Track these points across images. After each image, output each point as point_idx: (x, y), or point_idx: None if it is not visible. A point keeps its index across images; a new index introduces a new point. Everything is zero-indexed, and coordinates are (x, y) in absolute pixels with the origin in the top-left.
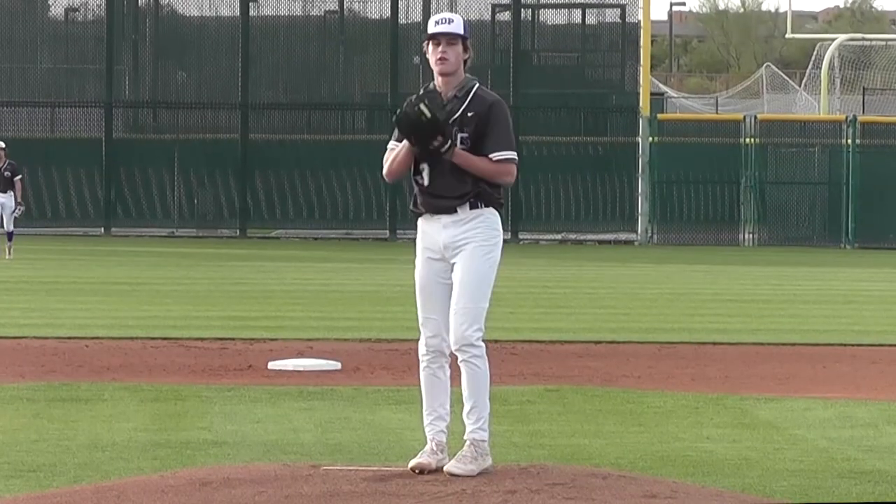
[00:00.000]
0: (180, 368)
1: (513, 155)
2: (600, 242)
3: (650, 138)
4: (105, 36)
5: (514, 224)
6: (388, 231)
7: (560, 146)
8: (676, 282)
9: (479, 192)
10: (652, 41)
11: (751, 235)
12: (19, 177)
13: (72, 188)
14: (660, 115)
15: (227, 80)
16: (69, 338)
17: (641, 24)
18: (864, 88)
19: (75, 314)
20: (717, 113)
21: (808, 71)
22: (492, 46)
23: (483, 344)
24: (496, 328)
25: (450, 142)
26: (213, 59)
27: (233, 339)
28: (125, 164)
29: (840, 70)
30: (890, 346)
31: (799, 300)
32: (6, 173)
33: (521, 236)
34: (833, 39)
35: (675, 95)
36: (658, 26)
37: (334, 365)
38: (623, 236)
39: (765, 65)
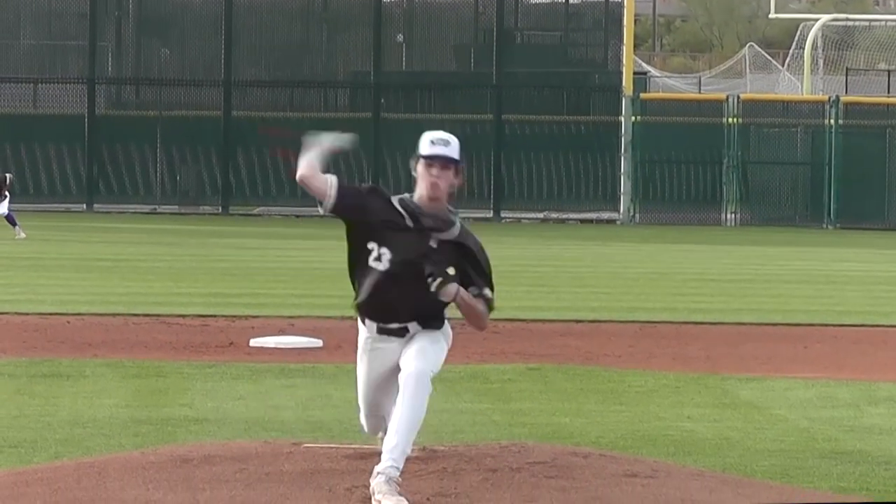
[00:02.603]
0: (162, 345)
1: (492, 294)
2: (582, 221)
3: (633, 117)
4: (88, 12)
5: (496, 203)
6: None
7: (543, 125)
8: (658, 261)
9: (435, 316)
10: (635, 20)
11: (733, 215)
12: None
13: (54, 164)
14: (642, 95)
15: (210, 57)
16: (51, 314)
17: (625, 3)
18: (847, 69)
19: (57, 290)
20: (699, 93)
21: (791, 51)
22: (475, 25)
23: (432, 386)
24: None
25: (446, 280)
26: (196, 36)
27: (214, 316)
28: (108, 141)
29: (823, 50)
30: (872, 326)
31: (781, 280)
32: None
33: (503, 215)
34: (816, 20)
35: (658, 75)
36: (641, 5)
37: (316, 342)
38: (605, 215)
39: (748, 45)
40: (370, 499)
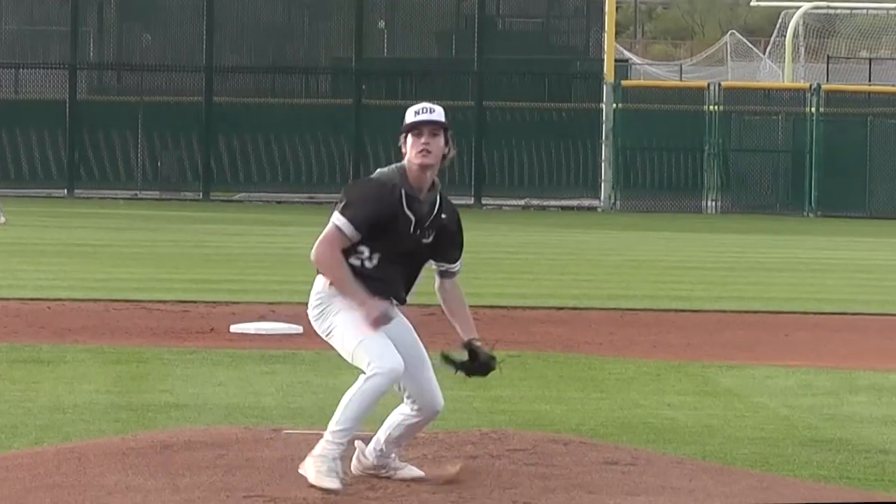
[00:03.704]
0: (142, 331)
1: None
2: (563, 208)
3: (614, 105)
4: None
5: (477, 190)
6: None
7: (524, 112)
8: (639, 249)
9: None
10: (617, 8)
11: (714, 203)
12: None
13: (35, 150)
14: (624, 82)
15: (191, 42)
16: (31, 299)
17: None
18: (828, 57)
19: (37, 276)
20: (681, 80)
21: (772, 39)
22: (457, 12)
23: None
24: None
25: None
26: (177, 21)
27: (195, 301)
28: (89, 126)
29: (804, 38)
30: (852, 314)
31: (762, 268)
32: None
33: (484, 202)
34: (798, 7)
35: (640, 62)
36: None
37: (296, 329)
38: (586, 202)
39: (729, 32)
40: (349, 484)
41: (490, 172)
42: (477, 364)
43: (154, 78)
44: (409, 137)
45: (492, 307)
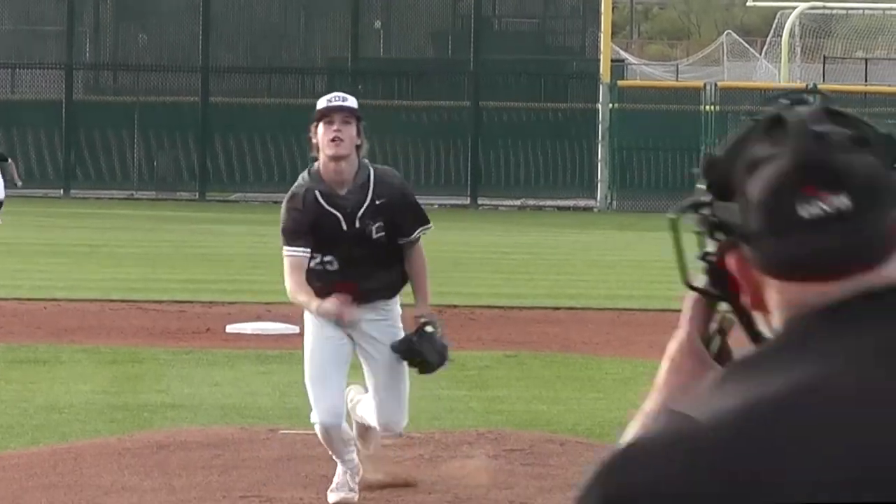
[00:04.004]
0: (138, 331)
1: (429, 224)
2: (559, 208)
3: (610, 105)
4: None
5: (473, 190)
6: None
7: (520, 112)
8: (636, 248)
9: (402, 281)
10: (613, 8)
11: None
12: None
13: (31, 150)
14: (620, 82)
15: (187, 42)
16: (28, 299)
17: None
18: (824, 57)
19: (34, 276)
20: (677, 80)
21: (768, 39)
22: (453, 12)
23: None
24: (455, 293)
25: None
26: (173, 21)
27: (191, 302)
28: (85, 126)
29: (801, 38)
30: None
31: None
32: None
33: (480, 202)
34: (794, 7)
35: (636, 62)
36: None
37: (292, 329)
38: (582, 202)
39: (725, 32)
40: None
41: (486, 172)
42: (426, 363)
43: (150, 78)
44: (321, 126)
45: (489, 307)
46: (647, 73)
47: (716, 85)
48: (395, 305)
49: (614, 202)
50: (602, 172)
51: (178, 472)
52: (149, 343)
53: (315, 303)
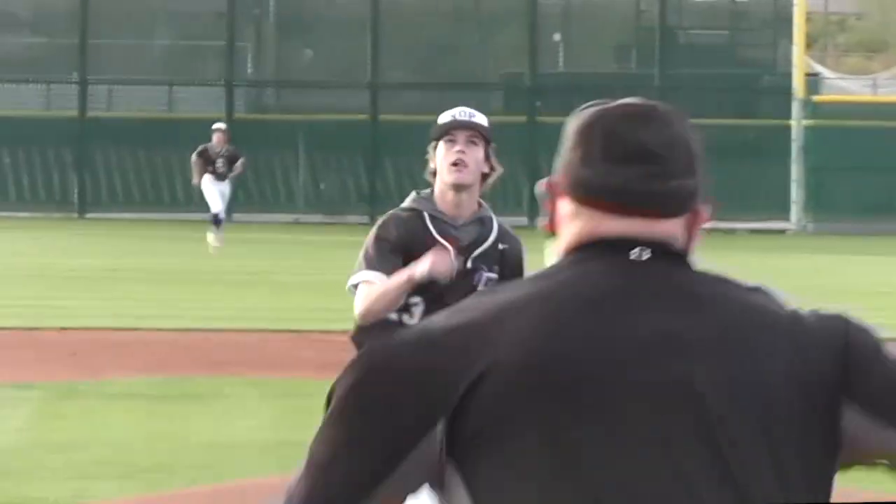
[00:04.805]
0: (304, 363)
1: None
2: (752, 231)
3: (804, 121)
4: (226, 12)
5: None
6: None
7: (707, 129)
8: (830, 273)
9: None
10: (807, 19)
11: None
12: (241, 160)
13: (189, 171)
14: (815, 97)
15: (356, 57)
16: (188, 329)
17: (794, 0)
18: None
19: (194, 305)
20: (875, 94)
21: None
22: (636, 23)
23: None
24: None
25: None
26: (340, 35)
27: None
28: (247, 146)
29: None
30: None
31: None
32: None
33: None
34: None
35: (831, 76)
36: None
37: None
38: (775, 225)
39: None
40: None
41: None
42: None
43: (314, 95)
44: (441, 146)
45: None
46: (843, 87)
47: None
48: None
49: (810, 224)
50: (796, 192)
51: None
52: (316, 376)
53: (405, 275)
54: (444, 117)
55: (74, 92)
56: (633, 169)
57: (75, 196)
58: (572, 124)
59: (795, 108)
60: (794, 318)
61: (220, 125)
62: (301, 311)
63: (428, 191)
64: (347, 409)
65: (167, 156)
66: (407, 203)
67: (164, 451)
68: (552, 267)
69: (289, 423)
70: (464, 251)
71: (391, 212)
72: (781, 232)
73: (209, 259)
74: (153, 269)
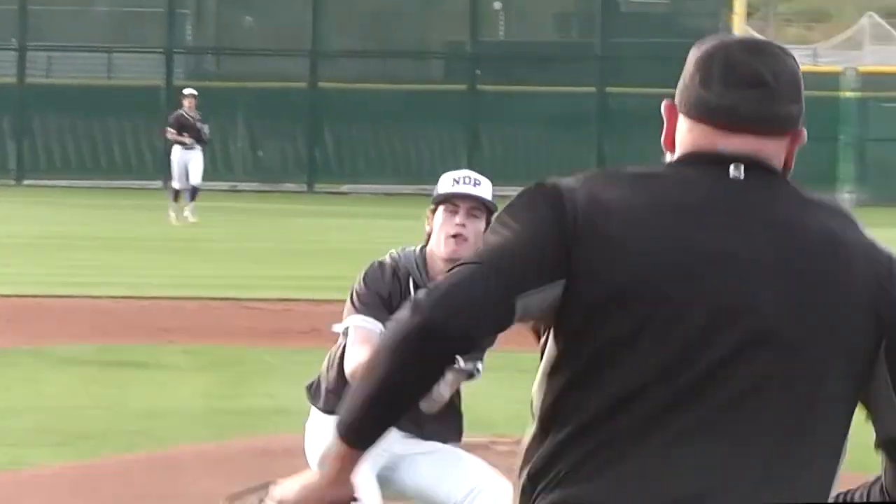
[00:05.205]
0: (241, 331)
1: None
2: None
3: None
4: None
5: None
6: None
7: (648, 98)
8: None
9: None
10: None
11: (849, 195)
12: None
13: (128, 138)
14: None
15: (295, 24)
16: (124, 297)
17: None
18: None
19: (131, 272)
20: (815, 65)
21: None
22: None
23: None
24: None
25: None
26: (280, 3)
27: (297, 300)
28: None
29: None
30: None
31: None
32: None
33: None
34: None
35: None
36: None
37: None
38: None
39: (867, 14)
40: None
41: (611, 161)
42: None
43: (256, 62)
44: (440, 213)
45: None
46: None
47: (856, 70)
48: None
49: None
50: None
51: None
52: (252, 343)
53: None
54: (446, 182)
55: (13, 58)
56: (747, 92)
57: (13, 163)
58: (694, 53)
59: None
60: (874, 249)
61: (192, 90)
62: (238, 278)
63: (417, 249)
64: (517, 209)
65: (106, 122)
66: (396, 256)
67: (100, 418)
68: (657, 167)
69: (224, 390)
70: None
71: (383, 260)
72: None
73: (146, 226)
74: (91, 236)
